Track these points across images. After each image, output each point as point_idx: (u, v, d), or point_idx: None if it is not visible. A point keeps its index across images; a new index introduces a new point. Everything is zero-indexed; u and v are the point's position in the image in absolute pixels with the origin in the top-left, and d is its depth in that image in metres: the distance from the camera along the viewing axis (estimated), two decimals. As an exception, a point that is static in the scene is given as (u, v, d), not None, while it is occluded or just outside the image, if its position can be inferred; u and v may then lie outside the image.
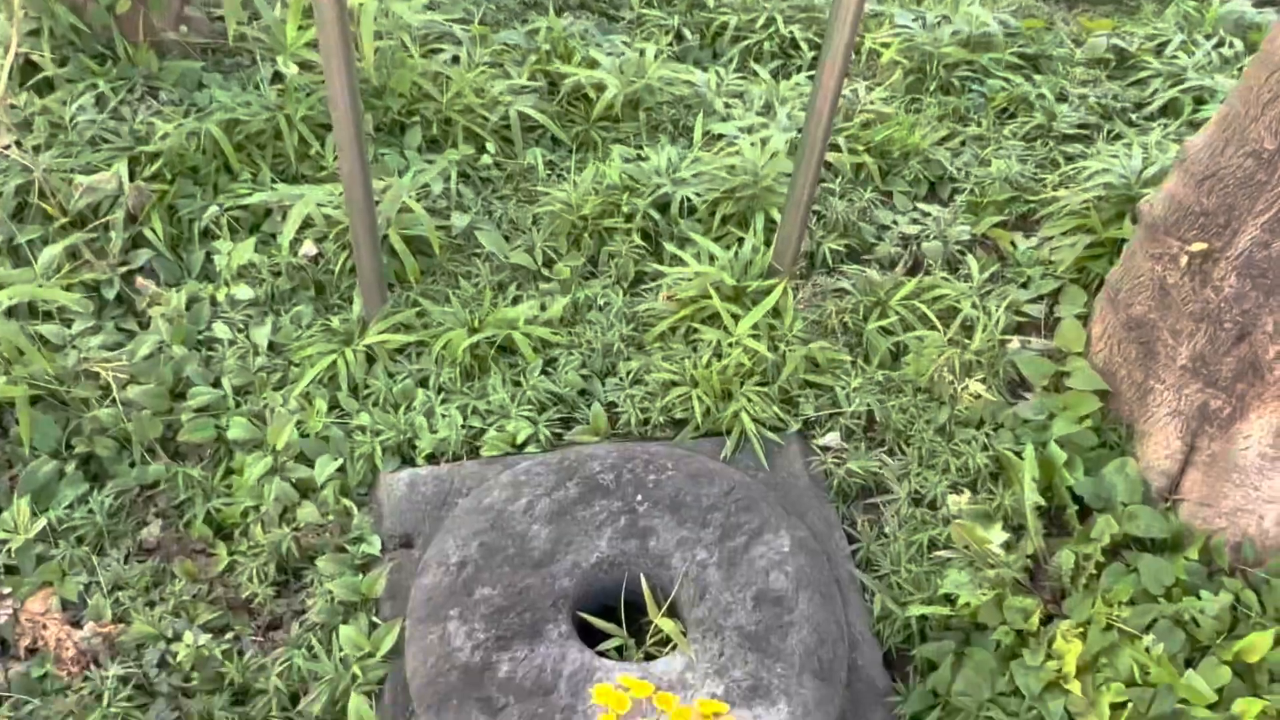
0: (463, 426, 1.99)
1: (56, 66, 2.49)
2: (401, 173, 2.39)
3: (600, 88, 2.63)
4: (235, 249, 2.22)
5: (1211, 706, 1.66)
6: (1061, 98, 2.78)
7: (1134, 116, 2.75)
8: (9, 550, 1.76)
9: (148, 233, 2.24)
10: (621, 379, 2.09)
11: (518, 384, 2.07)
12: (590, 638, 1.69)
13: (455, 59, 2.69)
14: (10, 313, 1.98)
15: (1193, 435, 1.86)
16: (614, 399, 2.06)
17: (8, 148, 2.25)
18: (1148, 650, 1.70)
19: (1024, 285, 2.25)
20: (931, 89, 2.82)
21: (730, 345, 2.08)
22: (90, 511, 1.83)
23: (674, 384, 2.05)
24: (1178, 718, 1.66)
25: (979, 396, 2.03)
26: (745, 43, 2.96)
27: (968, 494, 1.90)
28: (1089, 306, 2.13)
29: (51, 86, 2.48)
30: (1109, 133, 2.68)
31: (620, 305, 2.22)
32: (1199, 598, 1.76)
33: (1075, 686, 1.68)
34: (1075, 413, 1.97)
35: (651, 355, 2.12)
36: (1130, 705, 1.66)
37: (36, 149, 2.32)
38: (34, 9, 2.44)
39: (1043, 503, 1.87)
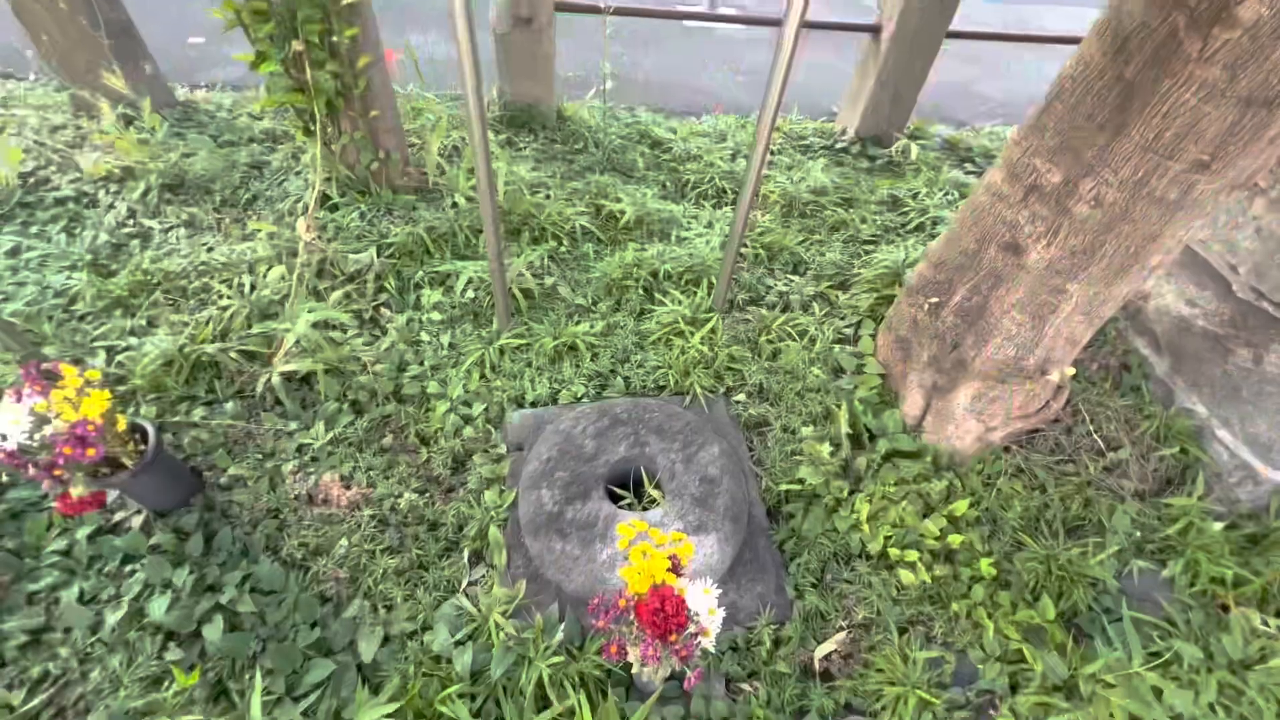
0: (549, 388, 1.96)
1: (339, 197, 2.46)
2: (517, 255, 2.36)
3: (623, 212, 2.59)
4: (432, 294, 2.19)
5: (936, 539, 1.66)
6: (863, 221, 2.74)
7: (902, 231, 2.71)
8: (313, 449, 1.76)
9: (386, 285, 2.20)
10: (632, 365, 2.06)
11: (577, 367, 2.04)
12: (615, 499, 1.69)
13: (548, 195, 2.65)
14: (315, 325, 1.97)
15: (929, 398, 1.85)
16: (628, 375, 2.03)
17: (314, 239, 2.23)
18: (904, 509, 1.69)
19: (842, 318, 2.22)
20: (795, 215, 2.77)
21: (689, 348, 2.05)
22: (354, 429, 1.81)
23: (659, 367, 2.03)
24: (918, 544, 1.66)
25: (818, 376, 2.02)
26: (699, 190, 2.90)
27: (812, 427, 1.89)
28: (876, 330, 2.11)
29: (336, 208, 2.43)
30: (888, 240, 2.64)
31: (632, 326, 2.19)
32: (931, 482, 1.75)
33: (866, 528, 1.68)
34: (867, 385, 1.95)
35: (648, 352, 2.09)
36: (893, 537, 1.65)
37: (329, 240, 2.29)
38: (327, 168, 2.42)
39: (851, 432, 1.85)
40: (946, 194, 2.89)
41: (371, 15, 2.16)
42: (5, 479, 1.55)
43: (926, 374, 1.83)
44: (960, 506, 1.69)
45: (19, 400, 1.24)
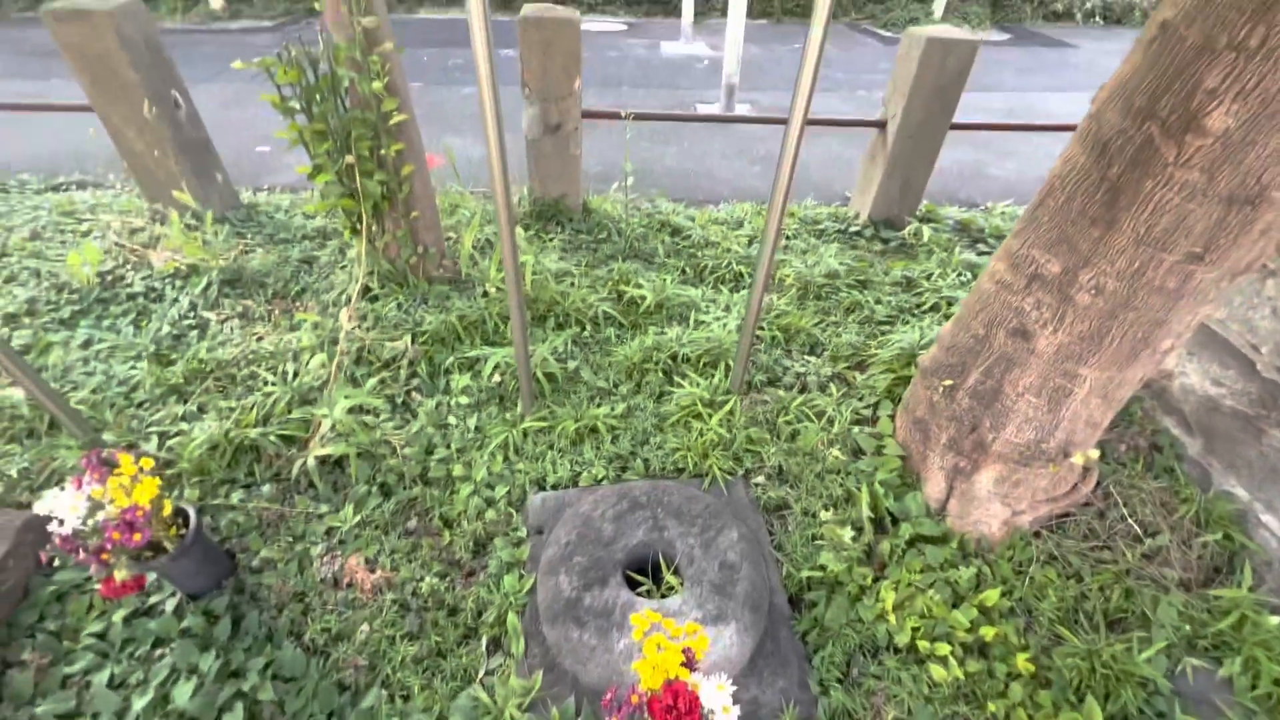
0: (570, 470, 1.99)
1: (379, 288, 2.63)
2: (542, 341, 2.45)
3: (643, 297, 2.69)
4: (460, 378, 2.27)
5: (967, 631, 1.59)
6: (878, 302, 2.79)
7: (917, 312, 2.75)
8: (341, 531, 1.80)
9: (419, 370, 2.31)
10: (652, 447, 2.08)
11: (598, 449, 2.06)
12: (633, 584, 1.68)
13: (573, 283, 2.78)
14: (350, 410, 2.07)
15: (951, 480, 1.82)
16: (648, 457, 2.04)
17: (354, 328, 2.38)
18: (932, 597, 1.64)
19: (860, 399, 2.23)
20: (810, 298, 2.83)
21: (707, 429, 2.08)
22: (381, 512, 1.85)
23: (678, 449, 2.05)
24: (948, 636, 1.60)
25: (838, 458, 2.01)
26: (716, 275, 3.00)
27: (832, 510, 1.87)
28: (894, 411, 2.11)
29: (376, 298, 2.59)
30: (903, 321, 2.67)
31: (651, 408, 2.22)
32: (959, 569, 1.70)
33: (892, 618, 1.63)
34: (888, 467, 1.93)
35: (667, 434, 2.12)
36: (921, 629, 1.59)
37: (368, 329, 2.43)
38: (370, 263, 2.61)
39: (873, 516, 1.83)
40: (960, 275, 2.94)
41: (415, 131, 2.40)
42: (56, 562, 1.63)
43: (947, 456, 1.82)
44: (991, 596, 1.63)
45: (79, 488, 1.33)
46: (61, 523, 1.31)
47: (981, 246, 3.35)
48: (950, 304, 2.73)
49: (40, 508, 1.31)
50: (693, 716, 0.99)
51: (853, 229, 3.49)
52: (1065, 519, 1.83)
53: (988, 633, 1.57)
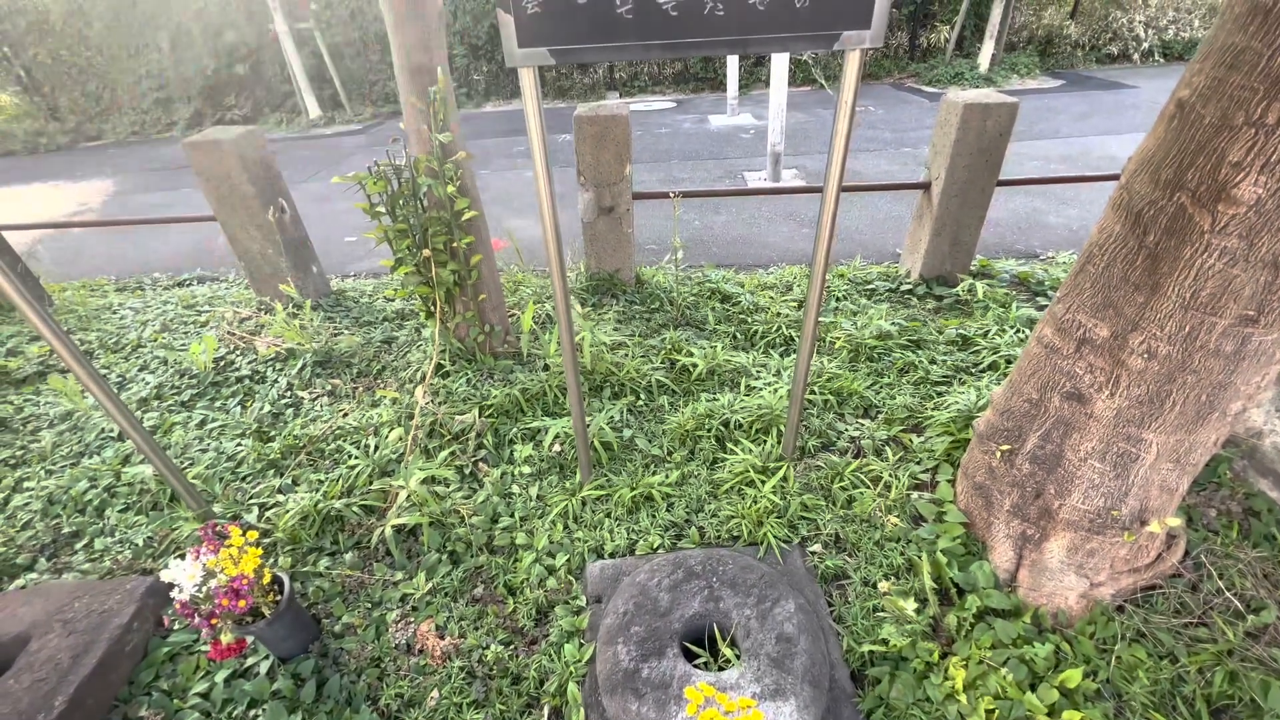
0: (627, 538, 2.04)
1: (450, 365, 2.85)
2: (599, 410, 2.56)
3: (695, 365, 2.77)
4: (523, 448, 2.39)
5: (1047, 715, 1.50)
6: (932, 362, 2.75)
7: (974, 371, 2.69)
8: (414, 598, 1.91)
9: (485, 442, 2.45)
10: (706, 514, 2.10)
11: (654, 517, 2.11)
12: (690, 656, 1.68)
13: (627, 354, 2.90)
14: (424, 481, 2.22)
15: (1019, 549, 1.76)
16: (703, 525, 2.07)
17: (428, 404, 2.58)
18: (1006, 677, 1.56)
19: (918, 463, 2.18)
20: (862, 359, 2.83)
21: (760, 496, 2.09)
22: (450, 579, 1.95)
23: (732, 517, 2.07)
24: (1027, 721, 1.50)
25: (897, 524, 1.98)
26: (766, 339, 3.06)
27: (892, 580, 1.83)
28: (954, 475, 2.06)
29: (448, 374, 2.80)
30: (960, 380, 2.63)
31: (705, 475, 2.25)
32: (1034, 645, 1.62)
33: (963, 699, 1.56)
34: (950, 534, 1.88)
35: (721, 501, 2.14)
36: (996, 711, 1.51)
37: (440, 403, 2.63)
38: (442, 342, 2.85)
39: (936, 586, 1.78)
40: (1018, 331, 2.87)
41: (484, 224, 2.66)
42: (176, 625, 1.82)
43: (1012, 523, 1.76)
44: (1073, 676, 1.53)
45: (198, 557, 1.52)
46: (181, 589, 1.49)
47: (1041, 300, 3.27)
48: (1009, 362, 2.66)
49: (166, 576, 1.50)
50: (747, 796, 0.99)
51: (904, 287, 3.49)
52: (1152, 591, 1.71)
53: (1072, 718, 1.47)
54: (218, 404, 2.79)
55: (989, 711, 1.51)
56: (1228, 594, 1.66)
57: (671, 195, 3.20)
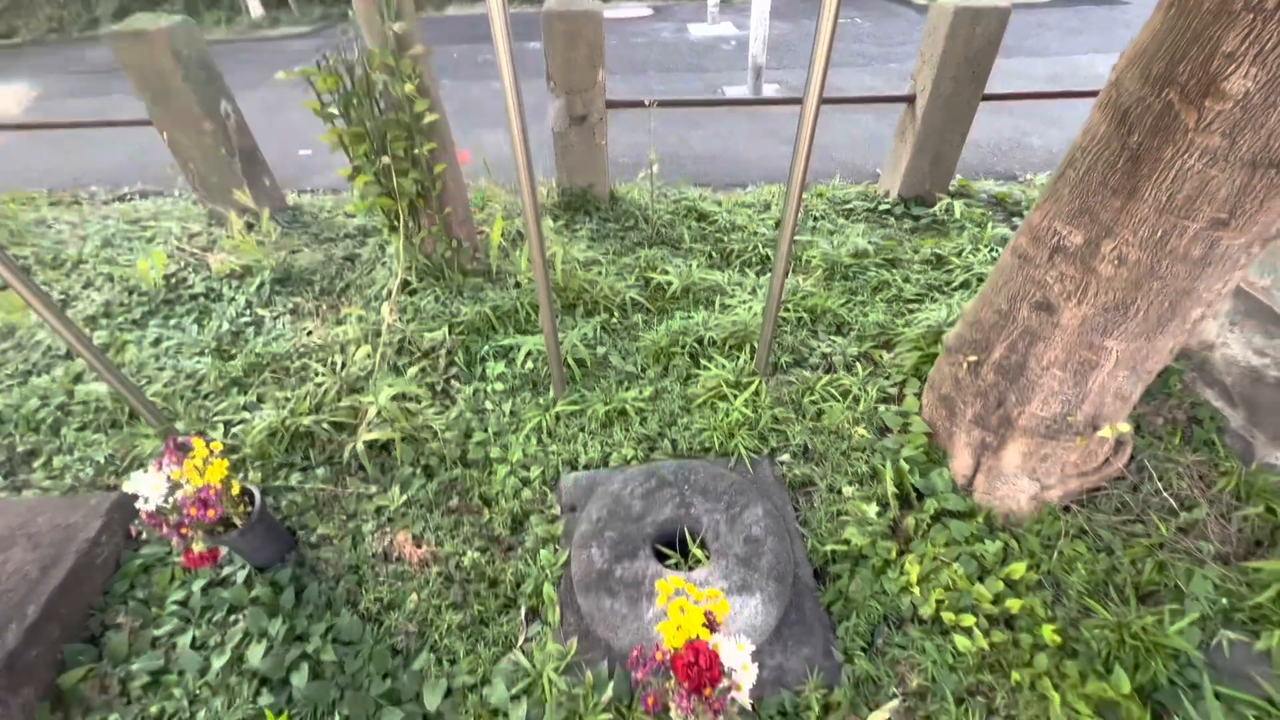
0: (600, 451, 2.07)
1: (418, 282, 2.76)
2: (572, 328, 2.53)
3: (670, 283, 2.74)
4: (495, 366, 2.37)
5: (992, 603, 1.61)
6: (906, 280, 2.76)
7: (946, 289, 2.71)
8: (389, 510, 1.93)
9: (456, 359, 2.42)
10: (679, 427, 2.14)
11: (627, 431, 2.14)
12: (662, 558, 1.75)
13: (601, 272, 2.84)
14: (394, 398, 2.19)
15: (978, 456, 1.83)
16: (675, 438, 2.10)
17: (395, 321, 2.51)
18: (957, 571, 1.66)
19: (886, 378, 2.23)
20: (837, 278, 2.82)
21: (733, 410, 2.12)
22: (425, 492, 1.96)
23: (704, 430, 2.10)
24: (973, 608, 1.62)
25: (863, 436, 2.04)
26: (742, 258, 3.02)
27: (856, 487, 1.90)
28: (920, 389, 2.11)
29: (415, 292, 2.72)
30: (931, 299, 2.65)
31: (679, 391, 2.27)
32: (984, 543, 1.72)
33: (916, 591, 1.66)
34: (914, 444, 1.95)
35: (694, 415, 2.17)
36: (946, 601, 1.62)
37: (408, 321, 2.56)
38: (408, 258, 2.74)
39: (897, 492, 1.85)
40: (992, 250, 2.88)
41: (446, 129, 2.50)
42: (143, 536, 1.81)
43: (973, 432, 1.82)
44: (1018, 569, 1.64)
45: (160, 469, 1.49)
46: (146, 500, 1.47)
47: (1016, 220, 3.27)
48: (981, 280, 2.68)
49: (128, 487, 1.47)
50: (713, 673, 1.06)
51: (882, 207, 3.45)
52: (1097, 493, 1.81)
53: (1013, 605, 1.58)
54: (172, 322, 2.68)
55: (939, 601, 1.61)
56: (1165, 494, 1.78)
57: (647, 104, 3.04)
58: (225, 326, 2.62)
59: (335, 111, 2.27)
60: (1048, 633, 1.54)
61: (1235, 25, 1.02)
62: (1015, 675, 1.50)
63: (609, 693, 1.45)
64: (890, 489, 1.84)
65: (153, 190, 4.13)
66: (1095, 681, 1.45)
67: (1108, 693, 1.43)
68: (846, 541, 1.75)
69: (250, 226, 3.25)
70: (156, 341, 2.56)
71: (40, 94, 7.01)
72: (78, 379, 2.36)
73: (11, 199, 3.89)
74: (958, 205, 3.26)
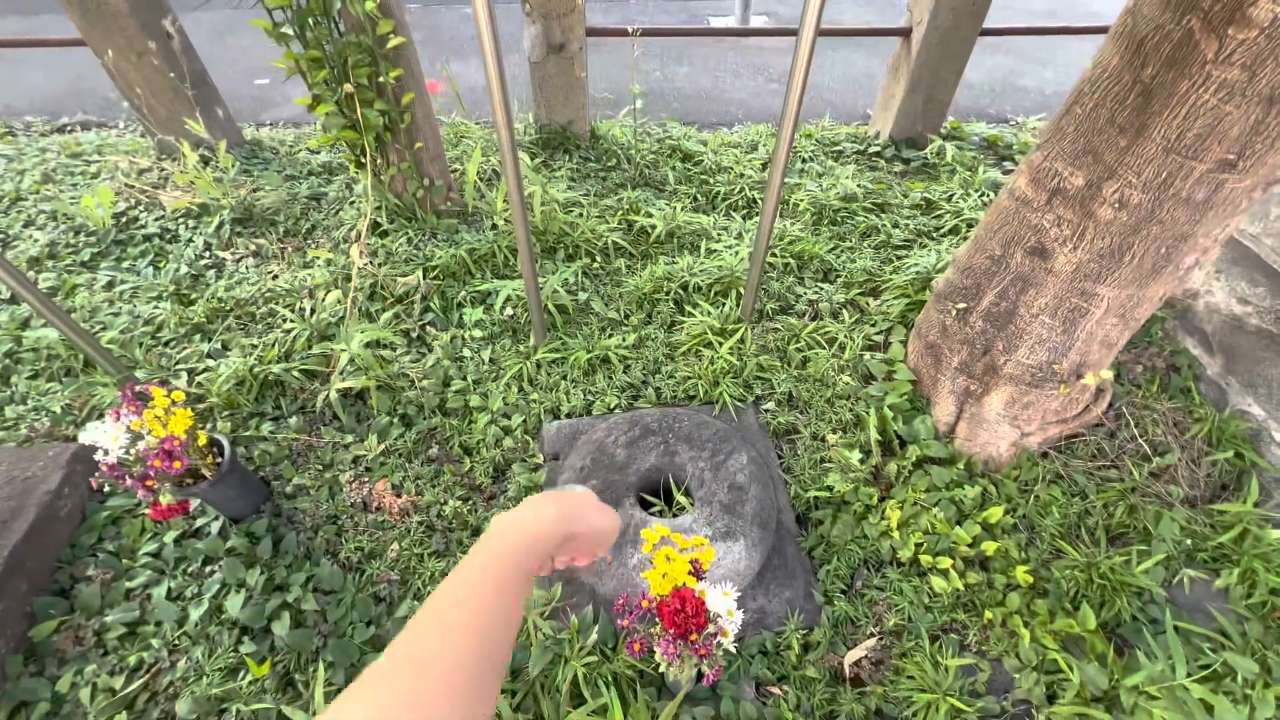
0: (583, 399, 2.04)
1: (389, 223, 2.63)
2: (552, 273, 2.45)
3: (653, 227, 2.65)
4: (473, 312, 2.30)
5: (969, 546, 1.65)
6: (895, 226, 2.71)
7: (935, 235, 2.67)
8: (367, 460, 1.89)
9: (432, 305, 2.33)
10: (663, 375, 2.11)
11: (610, 379, 2.10)
12: (646, 506, 1.75)
13: (582, 214, 2.73)
14: (367, 345, 2.12)
15: (961, 404, 1.84)
16: (659, 386, 2.08)
17: (366, 264, 2.40)
18: (936, 515, 1.69)
19: (873, 325, 2.21)
20: (825, 223, 2.76)
21: (717, 358, 2.09)
22: (404, 441, 1.92)
23: (689, 378, 2.08)
24: (951, 551, 1.65)
25: (848, 383, 2.03)
26: (728, 201, 2.93)
27: (840, 434, 1.90)
28: (907, 336, 2.10)
29: (386, 234, 2.59)
30: (920, 244, 2.61)
31: (663, 338, 2.24)
32: (964, 489, 1.74)
33: (896, 535, 1.68)
34: (898, 391, 1.94)
35: (678, 363, 2.14)
36: (924, 544, 1.65)
37: (379, 264, 2.44)
38: (377, 197, 2.59)
39: (880, 439, 1.86)
40: (983, 195, 2.83)
41: (414, 56, 2.32)
42: (107, 489, 1.75)
43: (958, 380, 1.82)
44: (995, 513, 1.67)
45: (118, 420, 1.41)
46: (106, 452, 1.40)
47: (1008, 164, 3.20)
48: (971, 226, 2.63)
49: (85, 438, 1.40)
50: (699, 619, 1.06)
51: (872, 149, 3.34)
52: (1075, 440, 1.84)
53: (989, 547, 1.62)
54: (124, 264, 2.52)
55: (918, 545, 1.65)
56: (1140, 440, 1.81)
57: (631, 32, 2.84)
58: (184, 269, 2.48)
59: (289, 33, 2.07)
60: (1020, 573, 1.58)
61: (1271, -57, 0.94)
62: (988, 614, 1.55)
63: (594, 636, 1.47)
64: (873, 436, 1.85)
65: (95, 121, 3.82)
66: (1063, 618, 1.51)
67: (1074, 628, 1.49)
68: (829, 488, 1.76)
69: (205, 161, 3.04)
70: (109, 285, 2.41)
71: (-40, 11, 6.35)
72: (25, 325, 2.22)
73: (-64, 128, 3.57)
74: (949, 148, 3.18)
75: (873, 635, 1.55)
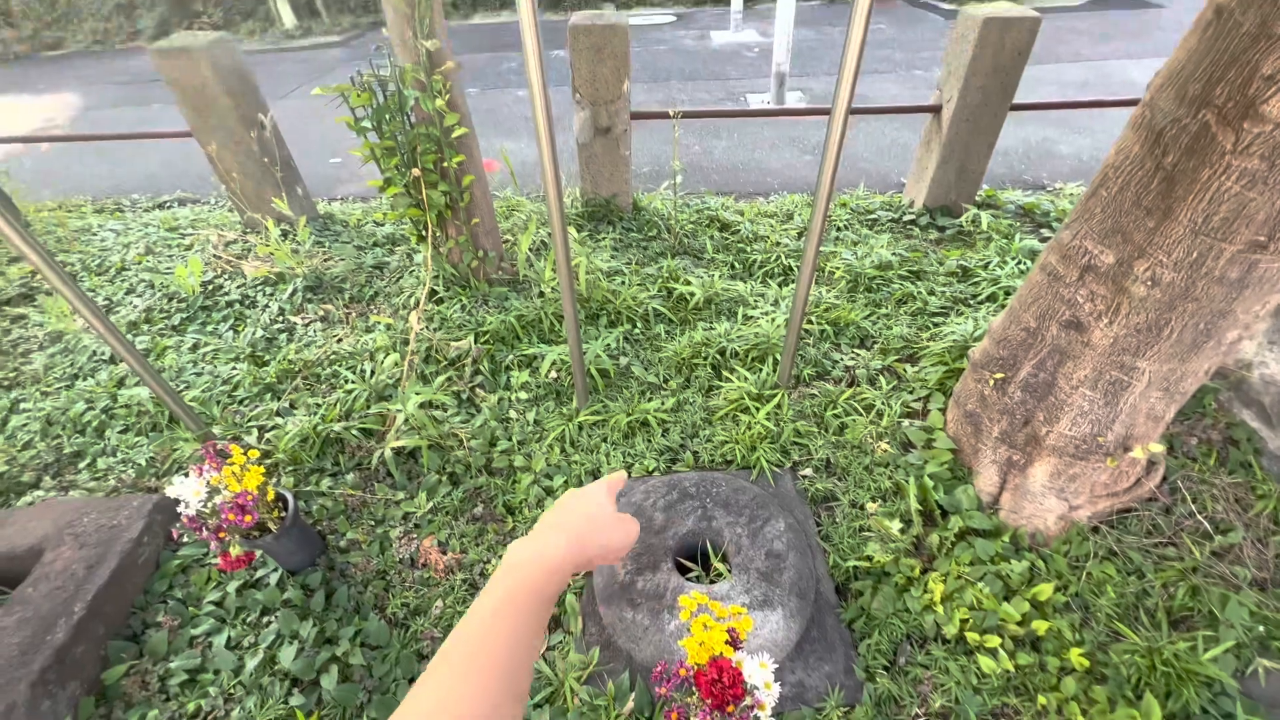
0: (622, 461, 2.09)
1: (444, 291, 2.81)
2: (595, 338, 2.55)
3: (692, 294, 2.75)
4: (520, 375, 2.40)
5: (1018, 624, 1.59)
6: (931, 293, 2.73)
7: (972, 302, 2.68)
8: (416, 516, 1.97)
9: (481, 368, 2.45)
10: (701, 439, 2.15)
11: (649, 442, 2.15)
12: (683, 571, 1.76)
13: (624, 282, 2.86)
14: (421, 405, 2.24)
15: (1004, 474, 1.81)
16: (697, 449, 2.11)
17: (422, 329, 2.56)
18: (982, 590, 1.64)
19: (910, 392, 2.21)
20: (861, 290, 2.81)
21: (754, 423, 2.13)
22: (451, 499, 2.00)
23: (726, 442, 2.11)
24: (999, 629, 1.60)
25: (886, 450, 2.03)
26: (765, 269, 3.02)
27: (879, 502, 1.89)
28: (945, 404, 2.09)
29: (441, 301, 2.77)
30: (957, 312, 2.62)
31: (700, 402, 2.28)
32: (1010, 563, 1.70)
33: (940, 609, 1.64)
34: (938, 460, 1.92)
35: (715, 427, 2.18)
36: (970, 620, 1.60)
37: (435, 329, 2.61)
38: (435, 267, 2.79)
39: (921, 508, 1.84)
40: (1020, 263, 2.84)
41: (474, 141, 2.55)
42: (182, 538, 1.87)
43: (999, 450, 1.80)
44: (1045, 590, 1.62)
45: (200, 475, 1.54)
46: (187, 505, 1.52)
47: (1045, 232, 3.22)
48: (1008, 294, 2.64)
49: (171, 492, 1.53)
50: (736, 689, 1.06)
51: (907, 217, 3.42)
52: (1127, 514, 1.78)
53: (1040, 627, 1.56)
54: (209, 328, 2.76)
55: (963, 621, 1.60)
56: (1199, 516, 1.74)
57: (671, 114, 3.06)
58: (259, 333, 2.70)
59: (368, 125, 2.33)
60: (1075, 656, 1.51)
61: (1275, 49, 1.00)
62: (1041, 699, 1.47)
63: (630, 704, 1.47)
64: (914, 505, 1.83)
65: (190, 198, 4.26)
66: (1124, 708, 1.43)
67: (1137, 719, 1.40)
68: (869, 558, 1.74)
69: (285, 234, 3.34)
70: (194, 347, 2.64)
71: (84, 104, 7.27)
72: (121, 383, 2.45)
73: (58, 206, 4.05)
74: (984, 216, 3.22)
75: (918, 717, 1.49)
